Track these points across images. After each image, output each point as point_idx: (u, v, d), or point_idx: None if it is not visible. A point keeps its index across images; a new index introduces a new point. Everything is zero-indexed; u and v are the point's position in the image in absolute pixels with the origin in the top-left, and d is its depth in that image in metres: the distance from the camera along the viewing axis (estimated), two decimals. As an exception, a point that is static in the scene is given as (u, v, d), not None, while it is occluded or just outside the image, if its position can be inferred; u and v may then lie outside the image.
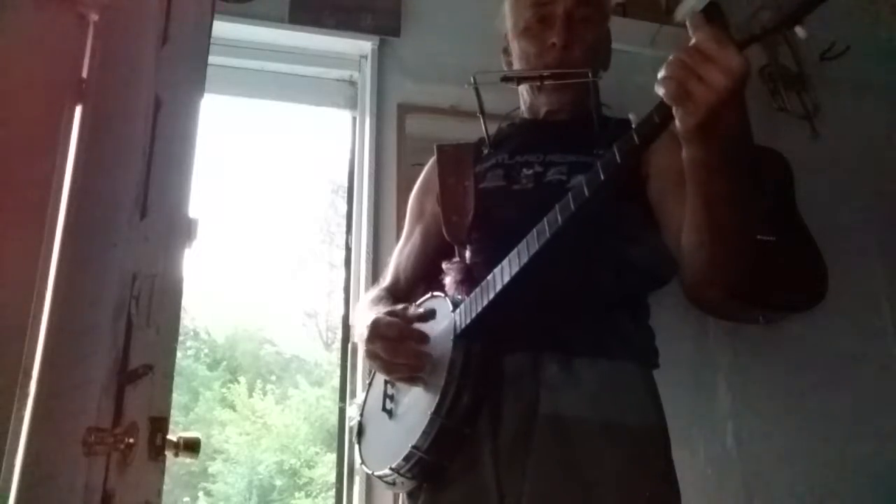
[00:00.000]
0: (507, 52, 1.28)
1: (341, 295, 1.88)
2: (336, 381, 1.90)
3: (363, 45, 2.01)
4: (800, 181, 2.09)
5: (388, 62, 2.01)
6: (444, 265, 1.11)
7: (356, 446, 1.12)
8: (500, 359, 1.01)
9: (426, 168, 1.31)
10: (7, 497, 0.84)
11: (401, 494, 1.11)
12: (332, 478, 1.78)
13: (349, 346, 1.74)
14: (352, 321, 1.21)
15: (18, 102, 0.99)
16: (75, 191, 1.01)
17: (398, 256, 1.27)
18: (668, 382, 1.90)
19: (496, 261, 0.99)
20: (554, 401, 0.98)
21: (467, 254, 1.10)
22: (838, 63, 2.28)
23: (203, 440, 0.81)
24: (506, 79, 1.19)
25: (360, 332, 1.09)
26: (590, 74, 1.12)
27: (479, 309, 0.98)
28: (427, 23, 2.05)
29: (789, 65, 2.28)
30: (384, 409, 1.09)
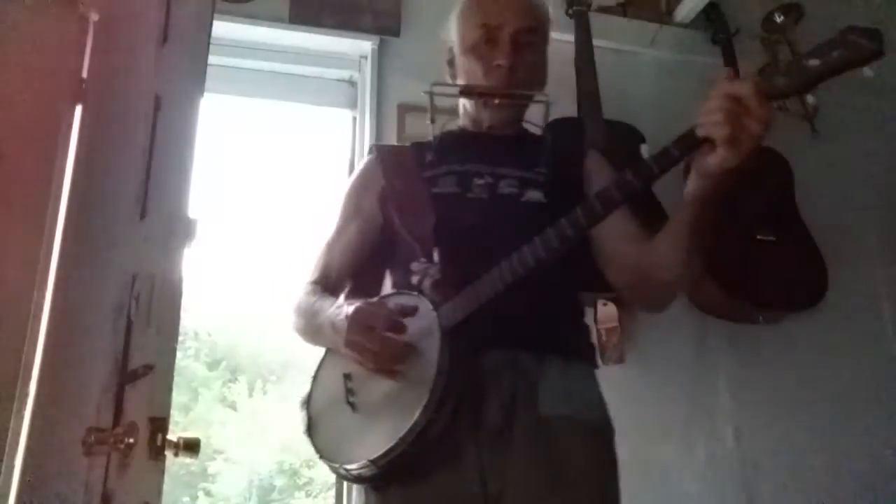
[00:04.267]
0: (451, 63, 1.33)
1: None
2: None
3: (363, 45, 2.01)
4: (800, 181, 2.09)
5: (388, 62, 2.01)
6: (414, 266, 1.13)
7: (308, 440, 1.12)
8: (480, 355, 1.06)
9: (363, 166, 1.33)
10: (7, 497, 0.84)
11: (358, 488, 1.12)
12: (332, 478, 1.77)
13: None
14: (294, 312, 1.20)
15: (18, 102, 0.99)
16: (75, 191, 1.01)
17: (328, 251, 1.27)
18: (669, 382, 1.92)
19: (463, 264, 1.07)
20: (531, 396, 1.05)
21: (436, 256, 1.12)
22: (838, 63, 2.28)
23: (203, 440, 0.81)
24: (464, 93, 1.25)
25: (328, 322, 1.09)
26: (547, 97, 1.25)
27: (472, 310, 1.02)
28: (427, 23, 2.04)
29: (789, 65, 2.28)
30: (347, 402, 1.09)
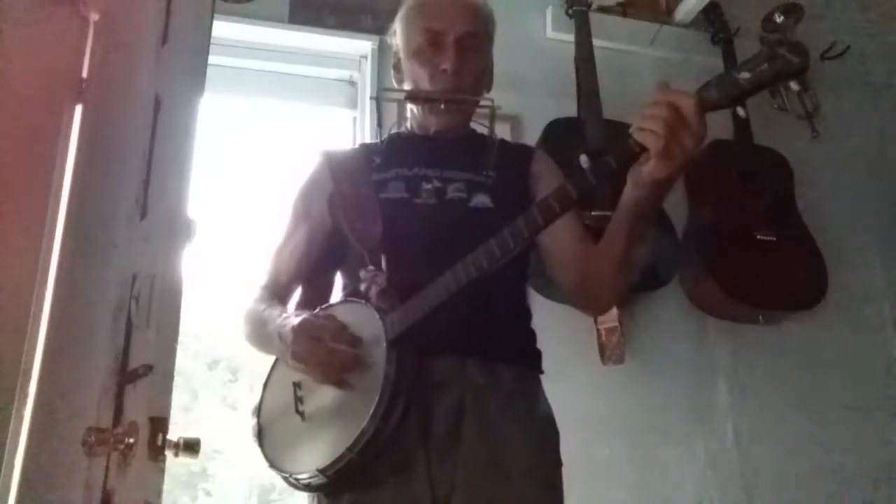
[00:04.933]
0: (397, 67, 1.34)
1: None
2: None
3: (363, 45, 2.01)
4: (800, 181, 2.09)
5: (387, 62, 2.00)
6: (362, 273, 1.12)
7: (258, 448, 1.13)
8: (428, 363, 1.06)
9: (311, 170, 1.31)
10: (7, 497, 0.84)
11: (309, 496, 1.12)
12: (332, 478, 1.77)
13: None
14: (244, 320, 1.20)
15: (18, 102, 0.99)
16: (75, 191, 1.01)
17: (278, 256, 1.26)
18: (669, 382, 1.92)
19: (410, 272, 1.06)
20: (479, 401, 1.06)
21: (383, 263, 1.12)
22: (838, 63, 2.28)
23: (203, 440, 0.81)
24: (410, 98, 1.25)
25: (276, 332, 1.09)
26: (492, 103, 1.24)
27: (416, 318, 1.02)
28: (427, 23, 2.04)
29: (789, 65, 2.28)
30: (297, 411, 1.10)
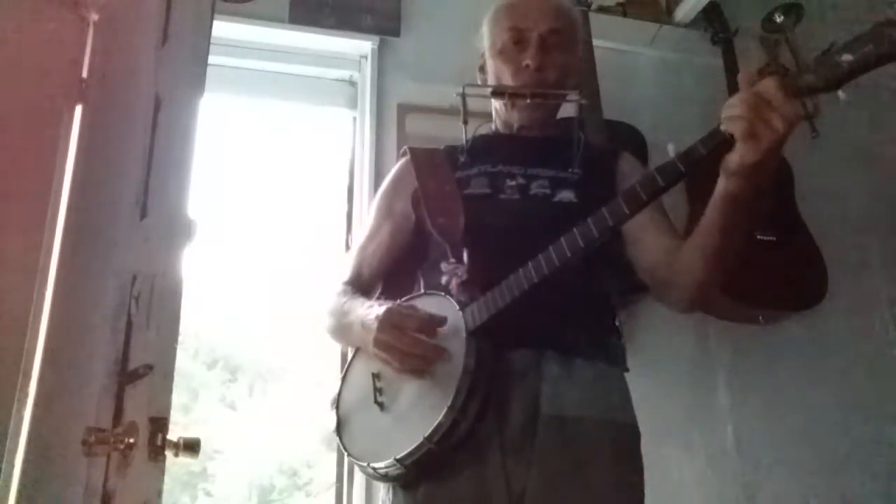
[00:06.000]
0: (482, 69, 1.35)
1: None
2: (336, 381, 1.89)
3: (363, 45, 2.01)
4: (800, 181, 2.09)
5: (388, 62, 2.00)
6: (443, 266, 1.14)
7: (338, 440, 1.14)
8: (506, 355, 1.06)
9: (396, 169, 1.34)
10: (7, 497, 0.84)
11: (386, 486, 1.12)
12: (333, 477, 1.77)
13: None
14: (326, 313, 1.21)
15: (18, 102, 0.99)
16: (75, 191, 1.01)
17: (361, 252, 1.29)
18: (669, 382, 1.92)
19: (492, 265, 1.07)
20: (555, 398, 1.05)
21: (465, 257, 1.13)
22: (838, 63, 2.27)
23: (203, 440, 0.81)
24: (495, 93, 1.26)
25: (358, 321, 1.10)
26: (579, 98, 1.25)
27: (497, 310, 1.03)
28: (427, 23, 2.05)
29: (789, 65, 2.28)
30: (376, 401, 1.10)
